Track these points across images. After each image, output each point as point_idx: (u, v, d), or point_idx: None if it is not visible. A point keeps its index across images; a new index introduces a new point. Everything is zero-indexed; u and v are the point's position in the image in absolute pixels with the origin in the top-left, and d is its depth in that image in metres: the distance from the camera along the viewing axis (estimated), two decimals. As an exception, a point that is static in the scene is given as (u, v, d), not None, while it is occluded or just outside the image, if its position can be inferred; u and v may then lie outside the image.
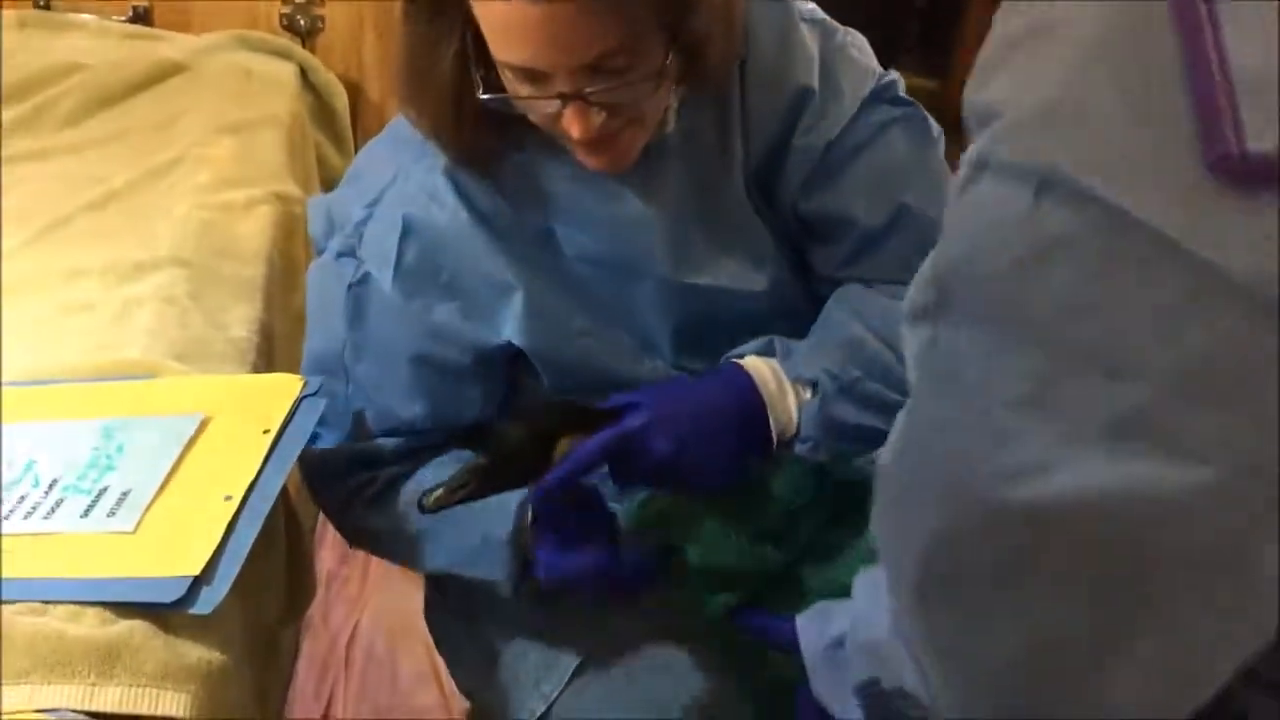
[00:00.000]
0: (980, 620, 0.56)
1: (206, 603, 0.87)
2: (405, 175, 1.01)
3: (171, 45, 1.75)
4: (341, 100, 1.84)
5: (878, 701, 0.79)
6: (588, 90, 0.87)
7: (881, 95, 1.04)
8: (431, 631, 1.18)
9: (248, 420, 1.01)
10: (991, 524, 0.53)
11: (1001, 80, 0.55)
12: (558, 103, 0.88)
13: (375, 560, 1.80)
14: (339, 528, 1.10)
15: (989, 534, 0.53)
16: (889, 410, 0.95)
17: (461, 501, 0.93)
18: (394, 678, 1.90)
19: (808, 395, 0.96)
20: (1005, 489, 0.51)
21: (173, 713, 0.83)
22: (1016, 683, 0.56)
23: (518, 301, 0.98)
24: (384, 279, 0.99)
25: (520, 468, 0.95)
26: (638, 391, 0.96)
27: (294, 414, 1.02)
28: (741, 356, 0.98)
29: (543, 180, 0.99)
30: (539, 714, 1.03)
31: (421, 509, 0.94)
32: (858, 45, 1.05)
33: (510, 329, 0.99)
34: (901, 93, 1.06)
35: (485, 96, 0.91)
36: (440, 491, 0.93)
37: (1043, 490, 0.50)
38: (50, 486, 0.95)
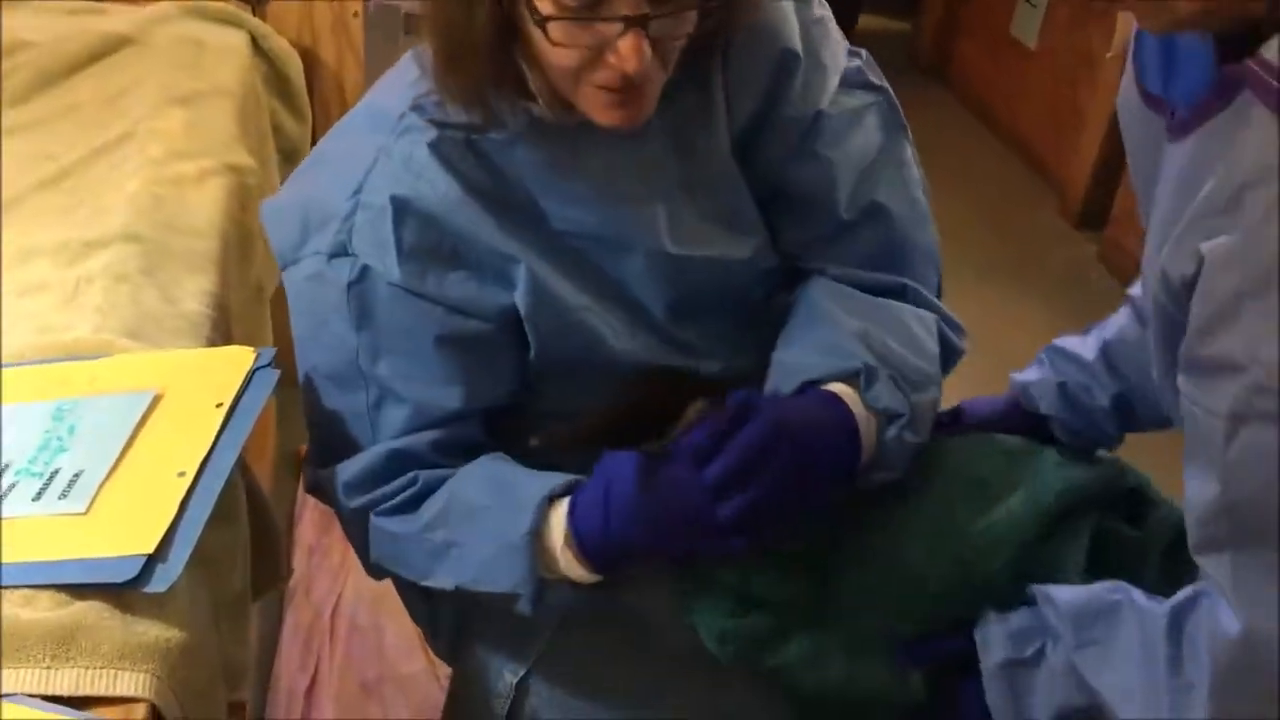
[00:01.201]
0: None
1: (162, 580, 0.86)
2: (387, 155, 0.95)
3: (119, 18, 1.72)
4: (295, 67, 1.81)
5: None
6: (652, 12, 0.83)
7: (854, 79, 1.03)
8: (406, 606, 1.18)
9: (200, 395, 1.00)
10: None
11: (1234, 336, 0.63)
12: (616, 28, 0.83)
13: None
14: (364, 542, 1.02)
15: None
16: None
17: (575, 444, 0.91)
18: (379, 646, 1.90)
19: (888, 428, 0.93)
20: None
21: (132, 692, 0.82)
22: None
23: (521, 271, 0.95)
24: (387, 268, 0.94)
25: (643, 421, 0.93)
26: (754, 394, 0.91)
27: (247, 386, 1.01)
28: (823, 380, 0.94)
29: (529, 157, 0.96)
30: (520, 675, 1.03)
31: (529, 448, 0.90)
32: (829, 17, 1.03)
33: (518, 295, 0.96)
34: (873, 77, 1.05)
35: (536, 19, 0.83)
36: (563, 430, 0.90)
37: None
38: (1, 472, 0.93)
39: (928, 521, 0.95)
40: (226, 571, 1.02)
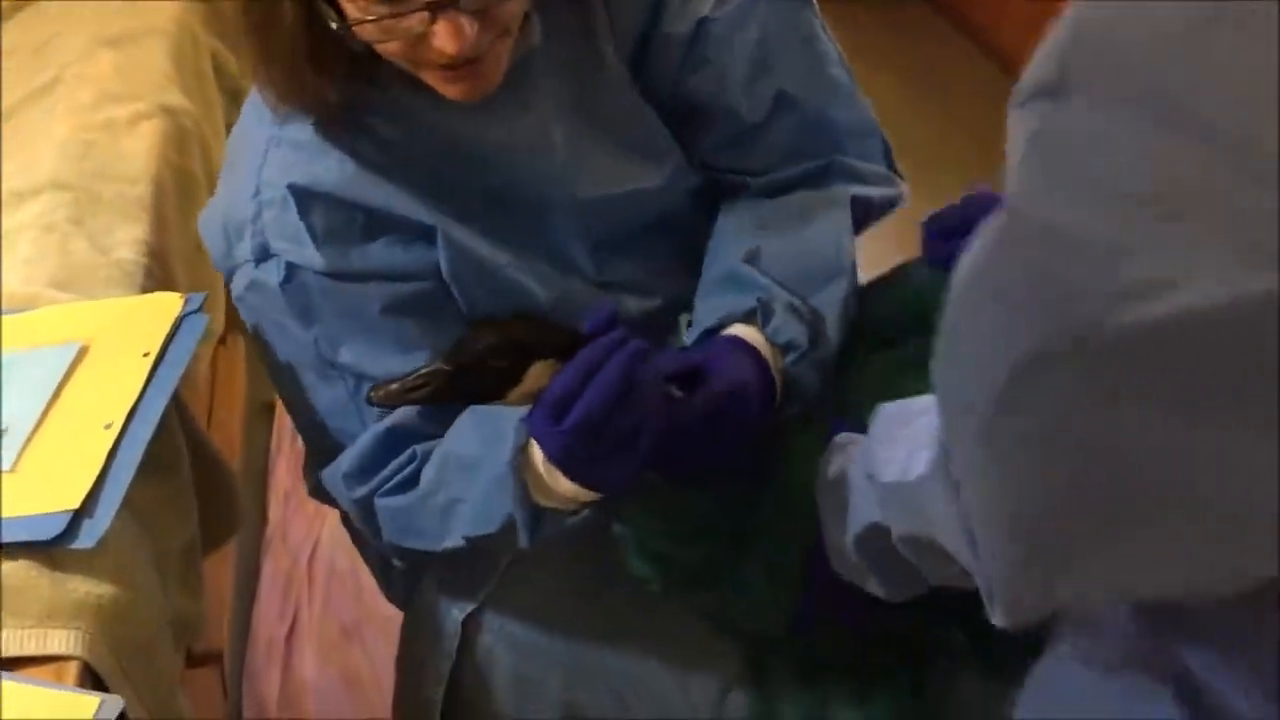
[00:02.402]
0: (1055, 454, 0.51)
1: (89, 536, 0.84)
2: (276, 144, 0.93)
3: (49, -39, 1.66)
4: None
5: (877, 551, 0.77)
6: None
7: None
8: (360, 554, 1.15)
9: (127, 344, 0.97)
10: (1095, 349, 0.47)
11: None
12: (424, 18, 0.80)
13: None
14: (375, 528, 0.98)
15: (1090, 359, 0.47)
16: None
17: (414, 402, 0.88)
18: (358, 591, 1.89)
19: (788, 359, 0.91)
20: (1119, 310, 0.45)
21: (63, 650, 0.81)
22: (1081, 522, 0.52)
23: (437, 237, 0.93)
24: (309, 259, 0.92)
25: (483, 379, 0.89)
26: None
27: (175, 334, 0.98)
28: (723, 324, 0.92)
29: (419, 121, 0.93)
30: (469, 611, 1.01)
31: (369, 401, 0.88)
32: None
33: (440, 260, 0.94)
34: None
35: (340, 26, 0.82)
36: (394, 386, 0.87)
37: (1161, 311, 0.44)
38: (-76, 432, 0.91)
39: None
40: (168, 524, 1.00)
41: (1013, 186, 0.50)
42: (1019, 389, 0.50)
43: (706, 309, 0.95)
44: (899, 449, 0.73)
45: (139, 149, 1.32)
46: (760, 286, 0.93)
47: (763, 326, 0.91)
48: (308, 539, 1.96)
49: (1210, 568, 0.52)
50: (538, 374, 0.83)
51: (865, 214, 1.00)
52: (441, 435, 0.94)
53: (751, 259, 0.94)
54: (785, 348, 0.91)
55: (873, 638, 0.92)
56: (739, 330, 0.91)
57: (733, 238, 0.97)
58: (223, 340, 1.56)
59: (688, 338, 0.95)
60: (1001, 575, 0.60)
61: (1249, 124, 0.43)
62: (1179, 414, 0.47)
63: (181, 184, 1.36)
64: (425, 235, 0.93)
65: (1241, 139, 0.43)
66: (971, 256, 0.53)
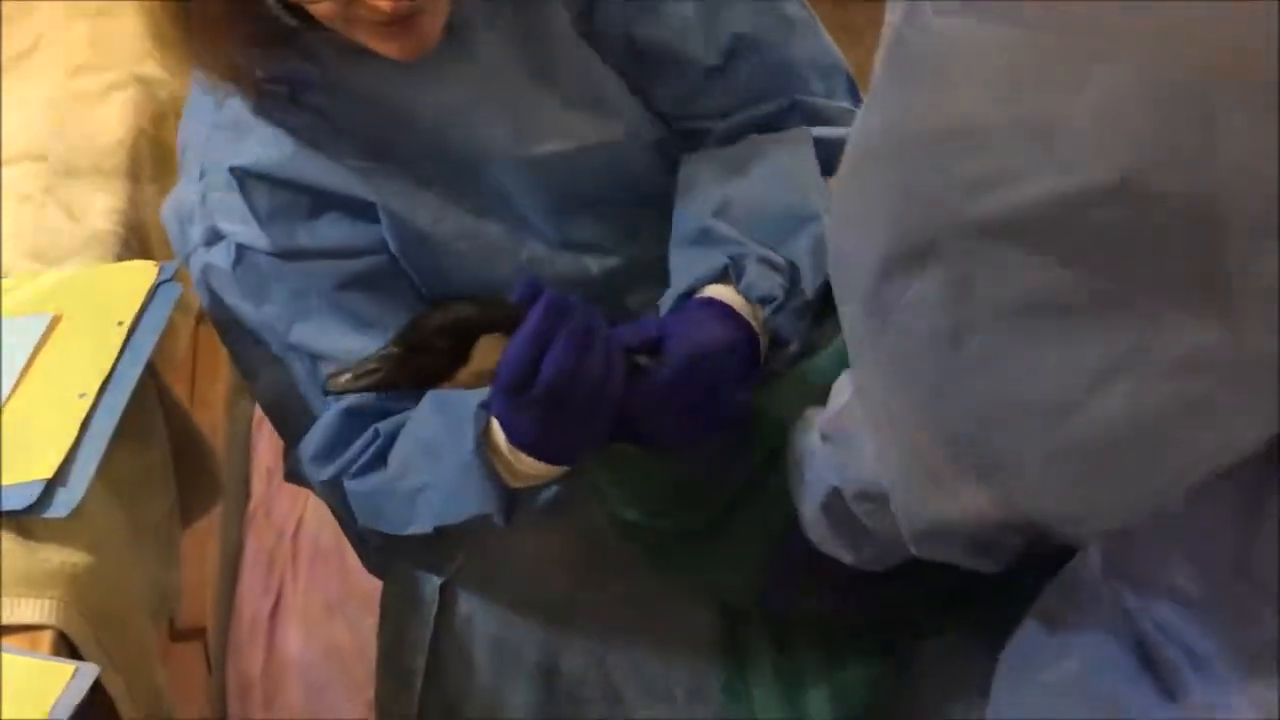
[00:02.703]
0: (921, 355, 0.53)
1: (63, 505, 0.84)
2: (217, 126, 0.92)
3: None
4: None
5: (841, 517, 0.77)
6: None
7: None
8: (339, 524, 1.15)
9: (101, 313, 0.97)
10: (955, 238, 0.48)
11: None
12: None
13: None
14: (348, 510, 0.98)
15: (951, 249, 0.49)
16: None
17: (368, 389, 0.87)
18: (342, 566, 1.88)
19: (764, 312, 0.90)
20: (974, 200, 0.47)
21: (35, 619, 0.80)
22: (969, 407, 0.53)
23: (380, 215, 0.92)
24: (256, 239, 0.91)
25: (433, 360, 0.89)
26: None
27: (149, 303, 0.97)
28: (695, 287, 0.91)
29: (357, 93, 0.91)
30: (446, 580, 1.01)
31: (325, 391, 0.87)
32: None
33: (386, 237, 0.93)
34: None
35: None
36: (347, 376, 0.86)
37: (1010, 201, 0.46)
38: (-104, 402, 0.90)
39: None
40: (145, 494, 0.99)
41: (874, 85, 0.53)
42: (885, 285, 0.52)
43: (679, 270, 0.94)
44: (839, 398, 0.74)
45: (114, 119, 1.31)
46: (731, 241, 0.91)
47: (737, 284, 0.90)
48: (291, 515, 1.95)
49: (1075, 485, 0.52)
50: (485, 350, 0.82)
51: (830, 155, 0.98)
52: (402, 410, 0.93)
53: (720, 212, 0.93)
54: (762, 301, 0.90)
55: (845, 607, 0.92)
56: (713, 291, 0.90)
57: (700, 191, 0.95)
58: (203, 316, 1.56)
59: (663, 304, 0.93)
60: (895, 488, 0.60)
61: (1089, 5, 0.44)
62: (1024, 311, 0.48)
63: (157, 155, 1.34)
64: (371, 209, 0.92)
65: (1083, 21, 0.44)
66: (843, 161, 0.55)
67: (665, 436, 0.87)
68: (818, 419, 0.79)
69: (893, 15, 0.51)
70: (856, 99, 1.02)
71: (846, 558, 0.80)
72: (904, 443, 0.59)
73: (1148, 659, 0.60)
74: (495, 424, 0.85)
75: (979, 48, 0.47)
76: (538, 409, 0.79)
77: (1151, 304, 0.46)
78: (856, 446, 0.72)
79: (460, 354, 0.83)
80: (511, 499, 0.87)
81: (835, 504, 0.77)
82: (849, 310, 0.58)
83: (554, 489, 0.90)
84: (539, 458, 0.83)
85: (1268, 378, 0.46)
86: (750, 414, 0.89)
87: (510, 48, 0.93)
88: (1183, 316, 0.45)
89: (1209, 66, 0.42)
